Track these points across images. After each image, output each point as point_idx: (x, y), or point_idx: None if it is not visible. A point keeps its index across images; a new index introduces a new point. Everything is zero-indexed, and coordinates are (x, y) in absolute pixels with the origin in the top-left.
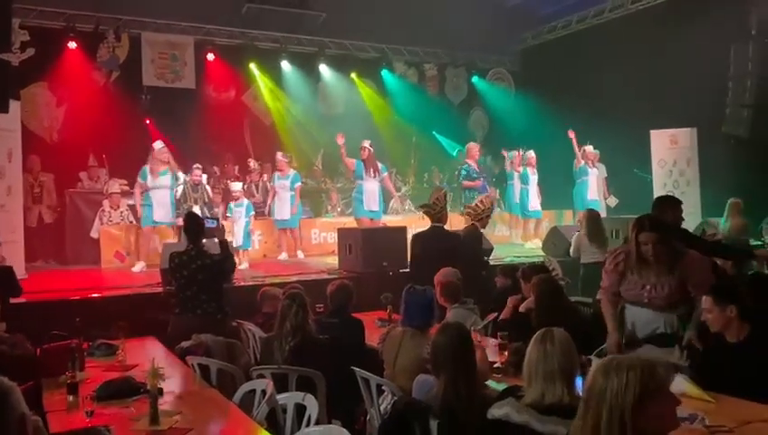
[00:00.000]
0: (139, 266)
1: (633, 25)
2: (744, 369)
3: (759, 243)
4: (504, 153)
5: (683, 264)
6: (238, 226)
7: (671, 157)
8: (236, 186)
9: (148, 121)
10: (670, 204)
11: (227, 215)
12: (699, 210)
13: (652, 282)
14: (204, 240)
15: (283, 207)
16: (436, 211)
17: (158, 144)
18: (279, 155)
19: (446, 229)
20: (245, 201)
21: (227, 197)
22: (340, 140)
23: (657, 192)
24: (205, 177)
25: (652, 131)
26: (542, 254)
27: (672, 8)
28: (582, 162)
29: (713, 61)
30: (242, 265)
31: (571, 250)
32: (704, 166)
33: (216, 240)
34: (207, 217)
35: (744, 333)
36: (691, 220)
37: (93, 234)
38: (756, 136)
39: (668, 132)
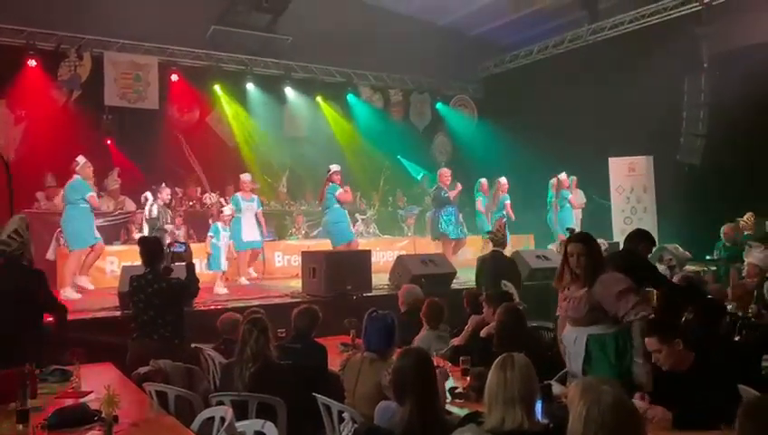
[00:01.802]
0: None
1: (592, 56)
2: (698, 395)
3: (707, 268)
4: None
5: (597, 283)
6: (224, 249)
7: (629, 183)
8: (228, 209)
9: (109, 142)
10: (642, 238)
11: (210, 235)
12: (656, 236)
13: (571, 296)
14: (174, 264)
15: (251, 228)
16: (498, 238)
17: (80, 158)
18: (245, 176)
19: (503, 254)
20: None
21: (189, 220)
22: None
23: (616, 218)
24: (169, 198)
25: (610, 159)
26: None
27: (629, 40)
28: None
29: (668, 91)
30: (222, 289)
31: None
32: (660, 193)
33: (184, 264)
34: (176, 241)
35: (690, 361)
36: None
37: (50, 256)
38: (709, 164)
39: (626, 160)
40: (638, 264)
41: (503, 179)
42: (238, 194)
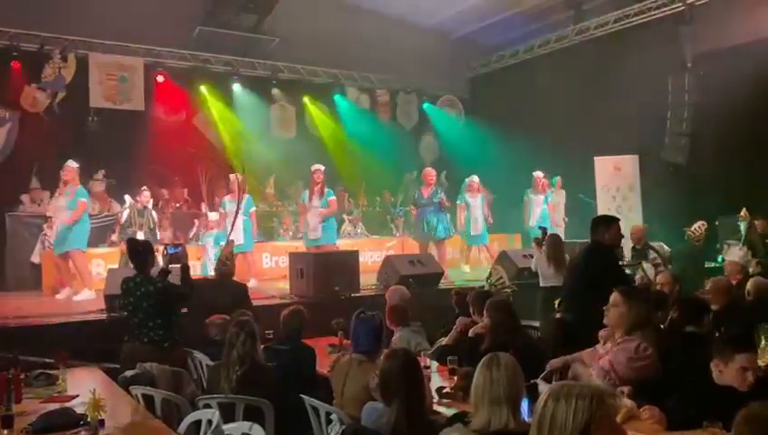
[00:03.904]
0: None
1: (577, 56)
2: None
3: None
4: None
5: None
6: (208, 255)
7: (614, 183)
8: (213, 216)
9: (94, 143)
10: (603, 224)
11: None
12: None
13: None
14: (170, 266)
15: (236, 232)
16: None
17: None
18: (233, 177)
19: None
20: (215, 231)
21: (176, 222)
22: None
23: None
24: (150, 201)
25: (596, 158)
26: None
27: (613, 40)
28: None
29: (652, 91)
30: None
31: (533, 266)
32: (645, 192)
33: (179, 266)
34: (168, 244)
35: None
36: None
37: (34, 258)
38: (694, 163)
39: (612, 159)
40: (609, 264)
41: (471, 178)
42: (226, 197)
